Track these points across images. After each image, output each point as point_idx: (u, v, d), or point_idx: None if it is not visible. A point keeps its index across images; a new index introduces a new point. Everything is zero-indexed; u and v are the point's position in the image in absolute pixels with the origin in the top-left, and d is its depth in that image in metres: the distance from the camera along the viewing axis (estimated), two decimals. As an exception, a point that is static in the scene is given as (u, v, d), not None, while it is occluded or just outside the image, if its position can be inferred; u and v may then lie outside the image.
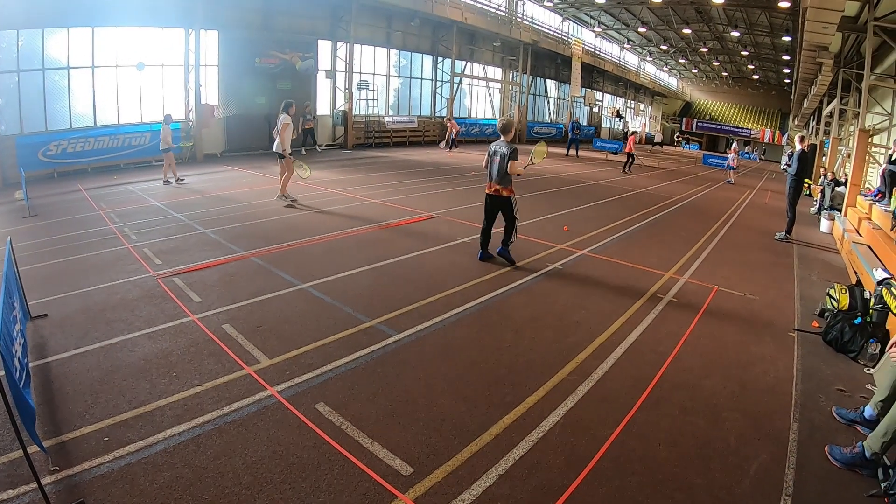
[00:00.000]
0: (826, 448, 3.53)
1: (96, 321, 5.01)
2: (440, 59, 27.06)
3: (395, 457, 3.27)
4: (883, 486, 3.22)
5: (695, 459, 3.44)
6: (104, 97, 16.03)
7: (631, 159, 21.05)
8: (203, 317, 5.14)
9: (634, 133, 22.98)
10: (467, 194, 12.56)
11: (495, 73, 31.83)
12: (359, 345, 4.72)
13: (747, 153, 43.83)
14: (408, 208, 10.38)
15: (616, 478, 3.22)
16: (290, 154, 10.29)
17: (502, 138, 6.85)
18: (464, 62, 28.54)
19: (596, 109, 44.53)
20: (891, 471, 3.22)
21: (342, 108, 22.25)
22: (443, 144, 23.70)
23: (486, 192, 6.94)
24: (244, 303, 5.55)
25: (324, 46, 21.47)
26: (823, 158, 20.45)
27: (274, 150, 10.39)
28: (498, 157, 6.70)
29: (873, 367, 4.67)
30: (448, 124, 23.83)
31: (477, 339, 4.94)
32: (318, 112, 21.73)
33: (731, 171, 22.18)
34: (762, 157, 44.86)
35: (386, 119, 24.70)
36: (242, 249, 7.41)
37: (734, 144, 23.87)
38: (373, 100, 23.53)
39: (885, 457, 3.29)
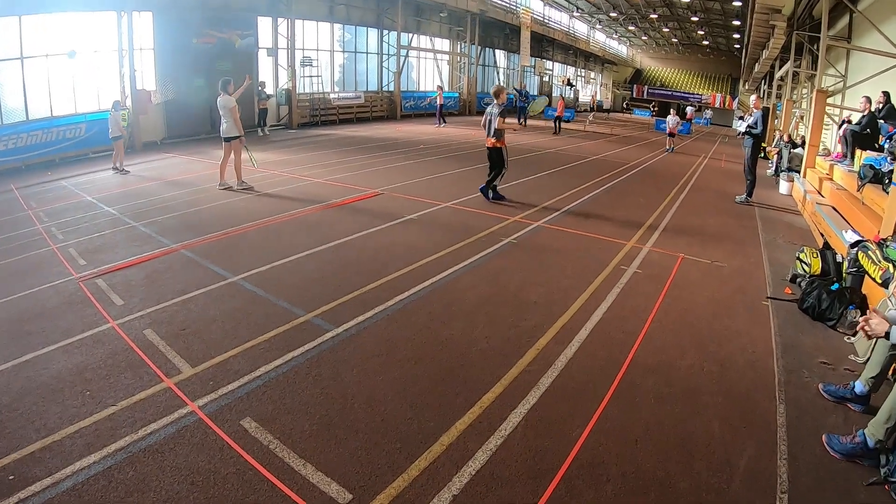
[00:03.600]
0: (823, 438, 3.07)
1: (14, 335, 4.40)
2: (386, 32, 26.00)
3: (330, 481, 2.68)
4: (883, 471, 2.79)
5: (677, 457, 2.94)
6: (35, 89, 14.66)
7: (559, 123, 22.33)
8: (124, 322, 4.55)
9: (563, 98, 24.57)
10: (415, 168, 11.90)
11: (443, 44, 30.88)
12: (292, 344, 4.09)
13: (701, 118, 43.91)
14: (353, 186, 9.68)
15: (590, 488, 2.70)
16: (243, 136, 9.54)
17: (495, 101, 8.54)
18: (410, 34, 27.58)
19: (546, 79, 44.01)
20: (891, 456, 2.75)
21: (286, 87, 21.15)
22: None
23: (486, 145, 8.69)
24: (169, 303, 4.93)
25: (264, 23, 20.22)
26: (776, 121, 20.32)
27: (223, 134, 9.48)
28: (490, 117, 8.47)
29: (854, 335, 4.23)
30: (438, 93, 22.88)
31: (424, 329, 4.34)
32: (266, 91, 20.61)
33: (670, 138, 19.86)
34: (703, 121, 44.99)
35: (332, 96, 23.63)
36: (173, 242, 6.68)
37: (672, 110, 22.00)
38: (317, 76, 22.43)
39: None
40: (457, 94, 31.09)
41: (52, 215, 8.74)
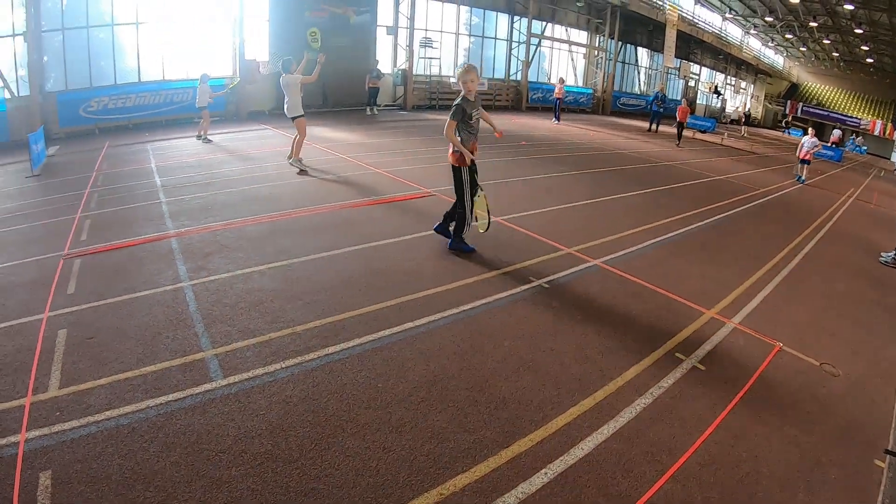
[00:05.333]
0: None
1: None
2: (517, 18, 25.05)
3: None
4: None
5: None
6: (150, 54, 16.01)
7: (680, 131, 19.24)
8: (53, 315, 4.49)
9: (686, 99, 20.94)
10: (496, 168, 10.88)
11: (579, 36, 29.17)
12: (171, 385, 3.52)
13: (858, 146, 37.75)
14: (410, 182, 8.97)
15: None
16: (303, 115, 9.90)
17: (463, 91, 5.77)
18: (544, 23, 26.33)
19: (692, 84, 40.19)
20: None
21: (402, 67, 21.17)
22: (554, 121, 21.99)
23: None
24: (109, 300, 4.74)
25: (385, 1, 20.37)
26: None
27: (287, 113, 9.91)
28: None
29: None
30: (557, 86, 21.87)
31: (346, 404, 3.38)
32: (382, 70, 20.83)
33: (803, 165, 15.67)
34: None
35: (452, 80, 23.30)
36: (176, 227, 6.64)
37: (810, 130, 16.95)
38: (436, 58, 22.18)
39: None
40: (590, 91, 29.36)
41: (107, 179, 9.37)
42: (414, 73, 21.78)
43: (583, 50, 29.86)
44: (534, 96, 25.90)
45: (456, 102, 5.43)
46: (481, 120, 5.68)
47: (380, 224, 6.77)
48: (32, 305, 4.66)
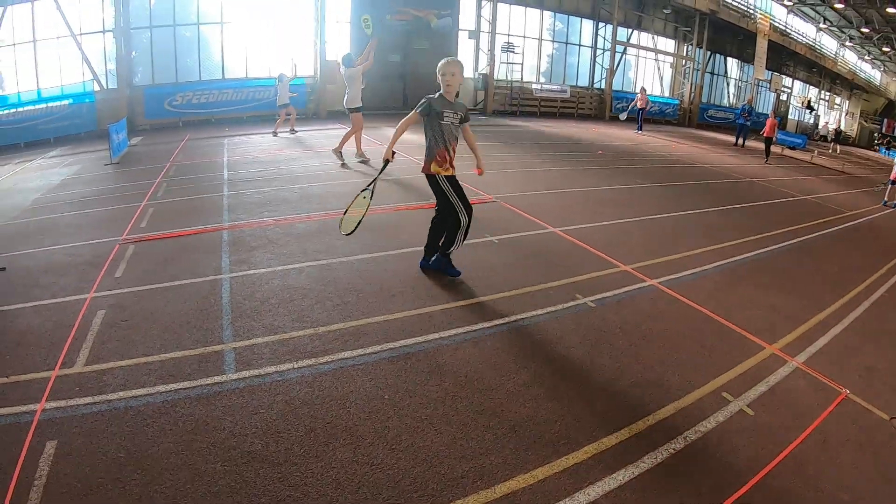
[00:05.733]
0: None
1: (27, 282, 5.06)
2: (602, 24, 24.53)
3: None
4: None
5: None
6: (234, 52, 16.91)
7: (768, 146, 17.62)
8: (96, 297, 4.79)
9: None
10: (566, 177, 10.61)
11: (666, 45, 28.15)
12: (185, 373, 3.61)
13: None
14: (473, 187, 8.80)
15: None
16: (361, 108, 10.16)
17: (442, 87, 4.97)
18: (629, 30, 25.63)
19: (783, 97, 37.78)
20: None
21: (483, 72, 21.27)
22: (623, 115, 21.44)
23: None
24: (150, 286, 4.98)
25: (467, 4, 20.54)
26: None
27: (346, 105, 10.18)
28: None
29: None
30: (640, 95, 21.32)
31: (347, 412, 3.25)
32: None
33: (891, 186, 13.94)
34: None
35: (534, 86, 23.13)
36: (230, 220, 6.95)
37: None
38: (517, 64, 22.11)
39: None
40: (676, 102, 28.34)
41: (179, 171, 9.92)
42: (495, 78, 21.82)
43: (670, 59, 28.86)
44: (617, 105, 25.29)
45: (428, 97, 4.65)
46: (463, 139, 4.98)
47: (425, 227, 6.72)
48: (81, 285, 5.00)
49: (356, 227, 4.65)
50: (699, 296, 5.30)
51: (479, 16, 20.98)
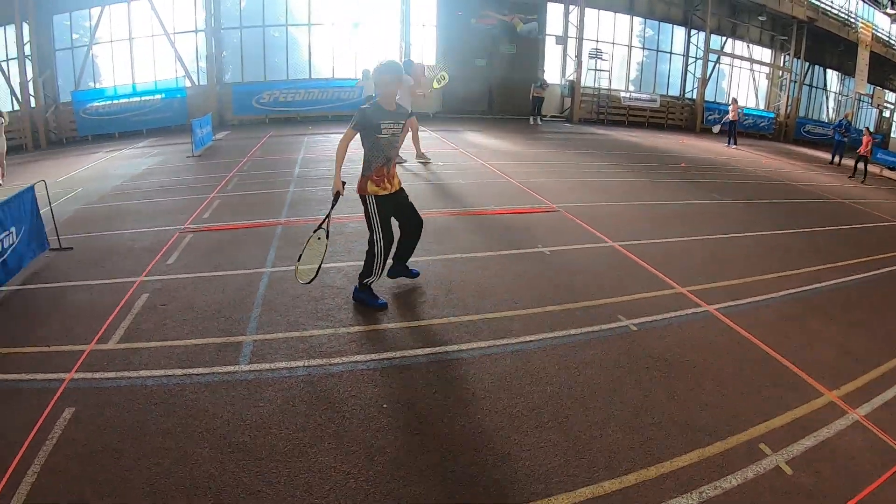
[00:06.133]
0: None
1: (89, 262, 5.67)
2: (694, 31, 23.50)
3: None
4: None
5: None
6: (321, 53, 17.69)
7: (864, 164, 15.69)
8: (145, 280, 5.21)
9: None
10: (642, 189, 10.20)
11: (762, 54, 26.45)
12: (202, 360, 3.80)
13: None
14: (539, 195, 8.63)
15: None
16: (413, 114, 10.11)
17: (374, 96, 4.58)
18: (723, 38, 24.35)
19: (886, 114, 34.31)
20: None
21: (570, 79, 21.02)
22: (717, 128, 20.55)
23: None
24: (195, 275, 5.34)
25: (554, 9, 20.36)
26: None
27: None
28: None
29: None
30: (731, 107, 20.36)
31: (341, 417, 3.29)
32: (547, 80, 20.88)
33: None
34: None
35: (623, 94, 22.57)
36: (288, 216, 7.28)
37: None
38: (605, 71, 21.65)
39: None
40: (772, 115, 26.70)
41: (252, 166, 10.67)
42: (582, 85, 21.51)
43: (765, 69, 27.21)
44: (709, 117, 24.18)
45: (362, 107, 4.23)
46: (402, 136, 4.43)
47: (480, 235, 6.67)
48: (134, 269, 5.44)
49: (315, 276, 4.22)
50: (759, 327, 4.78)
51: (566, 21, 20.75)
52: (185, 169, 10.85)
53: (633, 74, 23.61)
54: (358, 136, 4.23)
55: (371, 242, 4.40)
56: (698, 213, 8.84)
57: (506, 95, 20.06)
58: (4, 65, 16.58)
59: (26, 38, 15.98)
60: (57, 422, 3.11)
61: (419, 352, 3.94)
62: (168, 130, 16.21)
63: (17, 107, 16.28)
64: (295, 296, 4.79)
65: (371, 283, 4.52)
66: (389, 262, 4.64)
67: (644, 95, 23.33)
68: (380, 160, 4.23)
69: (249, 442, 2.95)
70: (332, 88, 18.11)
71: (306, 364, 3.76)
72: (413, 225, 4.61)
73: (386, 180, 4.30)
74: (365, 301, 4.57)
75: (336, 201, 4.26)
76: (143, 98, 16.35)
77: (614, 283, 5.40)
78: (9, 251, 4.99)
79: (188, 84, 17.17)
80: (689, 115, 24.19)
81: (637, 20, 22.88)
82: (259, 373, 3.65)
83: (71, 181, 10.20)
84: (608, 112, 22.10)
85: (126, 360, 3.79)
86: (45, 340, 4.08)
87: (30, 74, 16.25)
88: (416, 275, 5.00)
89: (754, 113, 25.63)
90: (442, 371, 3.71)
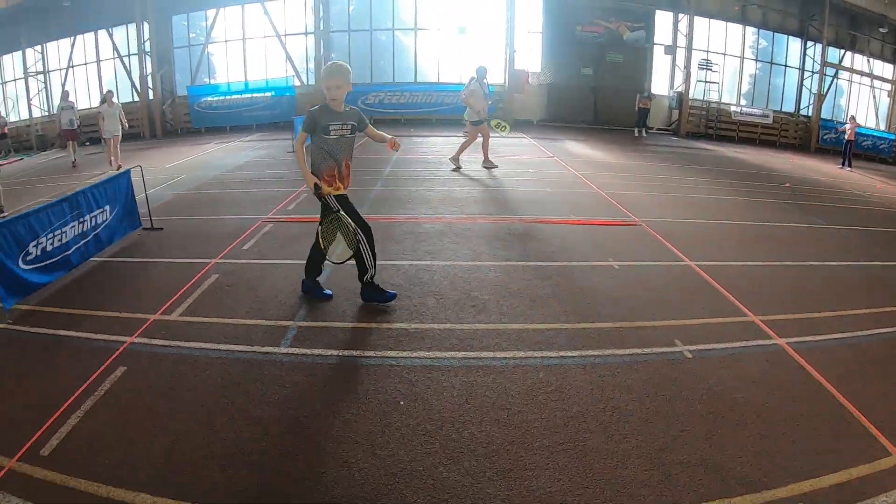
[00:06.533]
0: None
1: (173, 243, 6.36)
2: (811, 43, 21.69)
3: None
4: None
5: None
6: (427, 57, 18.27)
7: None
8: (219, 262, 5.67)
9: None
10: (734, 208, 9.57)
11: (883, 69, 23.78)
12: (248, 338, 4.10)
13: None
14: (624, 208, 8.35)
15: None
16: (481, 122, 10.51)
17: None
18: (841, 51, 22.25)
19: None
20: None
21: (678, 90, 20.23)
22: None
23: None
24: (264, 261, 5.76)
25: (662, 17, 19.64)
26: None
27: (466, 117, 10.67)
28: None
29: None
30: (849, 125, 18.78)
31: (342, 420, 3.33)
32: (654, 91, 20.24)
33: None
34: None
35: (733, 108, 21.36)
36: (365, 212, 7.36)
37: None
38: (715, 83, 20.60)
39: None
40: (893, 137, 24.05)
41: (354, 165, 10.87)
42: (690, 97, 20.63)
43: (887, 86, 24.53)
44: (825, 136, 22.28)
45: (311, 109, 4.25)
46: (369, 137, 4.58)
47: (550, 244, 6.58)
48: (212, 251, 5.91)
49: (347, 254, 4.31)
50: (833, 368, 4.20)
51: (675, 29, 19.93)
52: (283, 163, 11.58)
53: (744, 88, 22.25)
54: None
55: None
56: (793, 237, 8.19)
57: (611, 106, 19.66)
58: (126, 60, 18.72)
59: (146, 35, 18.26)
60: (109, 377, 3.49)
61: (452, 355, 3.94)
62: (277, 126, 17.35)
63: (136, 98, 18.33)
64: (349, 288, 4.93)
65: (373, 277, 4.55)
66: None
67: (756, 110, 21.90)
68: (329, 161, 4.24)
69: (265, 417, 3.15)
70: (436, 92, 18.57)
71: (340, 353, 3.91)
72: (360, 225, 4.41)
73: (337, 180, 4.30)
74: (313, 292, 4.74)
75: (320, 195, 4.29)
76: (254, 95, 17.71)
77: (680, 305, 5.08)
78: (101, 226, 5.67)
79: (297, 83, 18.37)
80: (803, 134, 22.43)
81: (750, 30, 21.52)
82: (294, 356, 3.85)
83: (178, 168, 11.24)
84: (717, 126, 21.03)
85: (182, 332, 4.15)
86: (118, 307, 4.56)
87: (149, 69, 18.51)
88: (392, 297, 4.70)
89: (873, 134, 23.23)
90: (469, 376, 3.68)
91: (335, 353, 3.93)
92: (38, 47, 20.18)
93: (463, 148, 10.70)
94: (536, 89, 18.72)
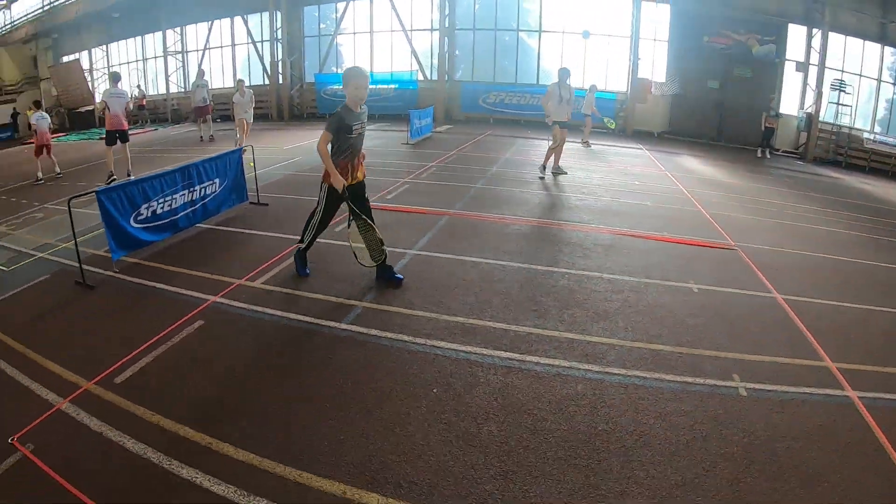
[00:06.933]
0: None
1: (275, 219, 7.03)
2: None
3: None
4: None
5: None
6: (550, 59, 18.29)
7: None
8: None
9: None
10: (846, 244, 8.52)
11: None
12: (317, 311, 4.49)
13: None
14: (722, 230, 7.81)
15: None
16: (555, 123, 10.27)
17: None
18: None
19: None
20: None
21: (808, 111, 18.69)
22: None
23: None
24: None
25: (795, 32, 18.14)
26: None
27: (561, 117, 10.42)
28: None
29: None
30: None
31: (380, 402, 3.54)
32: (782, 110, 18.87)
33: None
34: None
35: (865, 135, 19.31)
36: (456, 209, 7.76)
37: None
38: (848, 106, 18.75)
39: None
40: None
41: (455, 160, 11.55)
42: (820, 119, 19.00)
43: None
44: None
45: (335, 111, 4.63)
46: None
47: (631, 258, 6.34)
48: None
49: (377, 256, 4.83)
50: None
51: (808, 46, 18.18)
52: (394, 154, 12.13)
53: (880, 113, 20.05)
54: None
55: (311, 215, 5.00)
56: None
57: (736, 122, 18.45)
58: (259, 45, 20.56)
59: (278, 24, 20.16)
60: (186, 328, 4.00)
61: (498, 354, 3.99)
62: (398, 118, 18.09)
63: (266, 82, 20.04)
64: (425, 279, 5.17)
65: (303, 250, 5.16)
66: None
67: (890, 139, 19.62)
68: (346, 155, 4.69)
69: (296, 383, 3.51)
70: (561, 96, 18.49)
71: (391, 336, 4.12)
72: (365, 211, 4.88)
73: (348, 174, 4.72)
74: (295, 265, 5.25)
75: (345, 193, 4.67)
76: (379, 86, 18.61)
77: (751, 338, 4.67)
78: (209, 197, 6.38)
79: (420, 78, 19.08)
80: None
81: (889, 51, 19.25)
82: (350, 333, 4.12)
83: (294, 150, 12.15)
84: (847, 154, 19.15)
85: (260, 298, 4.60)
86: (210, 269, 5.14)
87: (279, 56, 20.37)
88: (399, 281, 5.10)
89: None
90: (508, 377, 3.71)
91: (389, 335, 4.13)
92: (178, 29, 23.36)
93: (557, 153, 10.48)
94: (659, 100, 18.03)
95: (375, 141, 13.90)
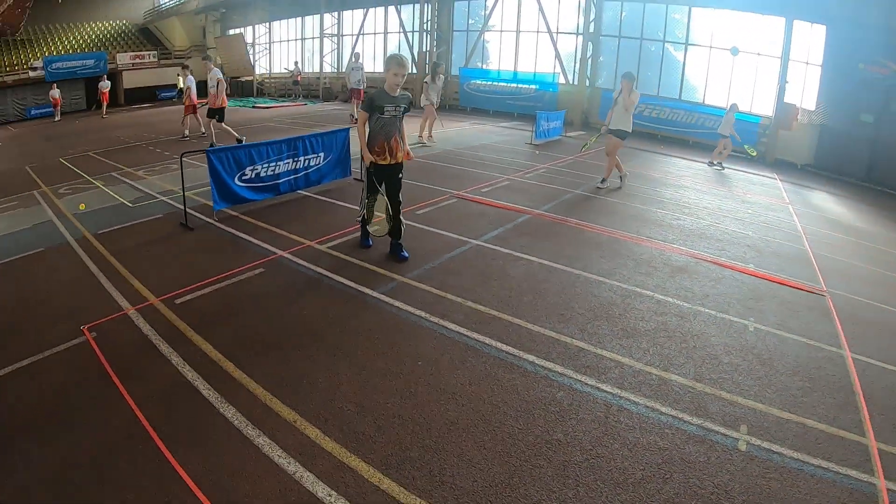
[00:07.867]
0: None
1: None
2: None
3: None
4: None
5: None
6: (694, 74, 17.56)
7: None
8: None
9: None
10: None
11: None
12: (362, 279, 5.11)
13: None
14: (821, 272, 6.84)
15: None
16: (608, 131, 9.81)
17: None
18: None
19: None
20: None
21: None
22: None
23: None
24: (419, 226, 6.64)
25: None
26: None
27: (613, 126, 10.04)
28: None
29: None
30: None
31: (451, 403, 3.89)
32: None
33: None
34: None
35: None
36: (540, 209, 7.93)
37: None
38: None
39: None
40: None
41: (569, 166, 11.47)
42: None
43: None
44: None
45: (370, 91, 5.21)
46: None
47: (701, 285, 5.88)
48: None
49: (388, 228, 5.32)
50: None
51: None
52: (513, 152, 12.41)
53: None
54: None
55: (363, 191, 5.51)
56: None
57: (890, 163, 15.99)
58: (410, 35, 22.70)
59: (429, 16, 21.47)
60: (248, 273, 4.83)
61: (497, 345, 4.08)
62: (534, 119, 18.27)
63: (415, 71, 21.62)
64: (471, 267, 5.44)
65: (360, 220, 5.71)
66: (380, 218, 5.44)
67: None
68: (381, 135, 5.16)
69: (315, 337, 4.05)
70: (698, 113, 17.65)
71: (410, 310, 4.47)
72: (391, 194, 5.32)
73: (386, 153, 5.20)
74: (361, 238, 5.84)
75: (383, 168, 5.22)
76: (520, 85, 19.05)
77: (788, 391, 4.01)
78: (312, 168, 7.29)
79: (562, 81, 19.15)
80: None
81: None
82: (382, 301, 4.59)
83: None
84: None
85: (320, 259, 5.31)
86: (290, 229, 5.97)
87: (427, 46, 21.64)
88: (404, 259, 5.53)
89: None
90: (495, 368, 3.79)
91: (409, 308, 4.50)
92: (335, 14, 26.01)
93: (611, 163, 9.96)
94: (807, 129, 16.40)
95: (502, 137, 14.27)
